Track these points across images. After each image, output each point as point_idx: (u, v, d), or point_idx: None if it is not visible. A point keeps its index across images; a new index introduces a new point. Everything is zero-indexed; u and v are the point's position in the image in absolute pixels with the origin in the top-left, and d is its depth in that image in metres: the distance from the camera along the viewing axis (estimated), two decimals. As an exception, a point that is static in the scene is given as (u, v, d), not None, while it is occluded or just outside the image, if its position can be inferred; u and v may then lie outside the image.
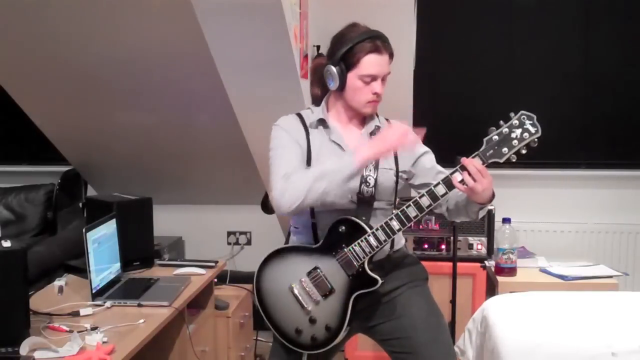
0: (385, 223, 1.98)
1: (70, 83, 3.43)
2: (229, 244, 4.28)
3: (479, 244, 3.50)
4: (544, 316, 2.47)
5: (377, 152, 1.97)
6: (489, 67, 4.08)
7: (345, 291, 2.03)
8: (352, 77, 2.02)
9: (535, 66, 4.04)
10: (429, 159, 2.20)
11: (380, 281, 2.01)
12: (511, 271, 3.25)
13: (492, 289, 3.31)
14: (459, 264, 3.35)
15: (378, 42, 2.02)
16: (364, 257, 2.00)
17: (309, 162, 2.06)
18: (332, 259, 2.03)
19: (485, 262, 3.43)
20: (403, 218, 1.97)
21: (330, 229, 2.03)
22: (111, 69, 3.31)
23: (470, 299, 3.40)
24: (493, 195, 2.01)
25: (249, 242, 4.26)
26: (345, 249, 2.01)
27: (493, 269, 3.32)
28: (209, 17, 2.59)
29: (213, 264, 2.86)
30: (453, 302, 3.34)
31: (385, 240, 1.99)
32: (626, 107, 4.05)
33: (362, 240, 1.99)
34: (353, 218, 2.02)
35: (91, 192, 4.27)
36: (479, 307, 2.73)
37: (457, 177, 1.95)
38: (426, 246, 3.46)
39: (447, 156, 3.37)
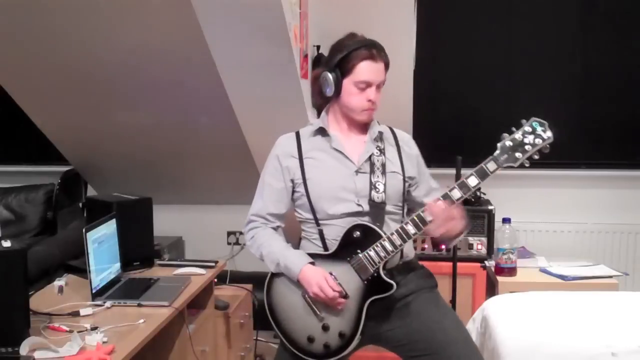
0: (400, 227, 1.99)
1: (71, 83, 3.43)
2: (229, 244, 4.28)
3: (479, 244, 3.50)
4: (544, 316, 2.47)
5: (313, 289, 2.00)
6: (488, 67, 4.08)
7: (359, 297, 2.02)
8: (347, 83, 2.05)
9: (535, 66, 4.04)
10: (424, 171, 2.23)
11: (395, 286, 2.00)
12: (511, 271, 3.25)
13: (492, 289, 3.31)
14: (459, 264, 3.35)
15: (374, 50, 2.05)
16: (379, 262, 2.00)
17: (303, 171, 2.09)
18: (346, 265, 2.03)
19: (485, 262, 3.43)
20: (419, 222, 1.98)
21: (344, 234, 2.03)
22: (111, 69, 3.31)
23: (470, 299, 3.40)
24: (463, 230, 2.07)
25: (249, 242, 4.25)
26: (360, 254, 2.01)
27: (493, 269, 3.32)
28: (209, 17, 2.60)
29: (213, 264, 2.86)
30: (453, 302, 3.33)
31: (400, 245, 1.99)
32: (626, 107, 4.05)
33: (377, 245, 1.99)
34: (368, 224, 2.02)
35: (91, 192, 4.27)
36: (479, 307, 2.73)
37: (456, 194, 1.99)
38: (426, 246, 3.46)
39: (447, 156, 3.40)
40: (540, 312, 2.51)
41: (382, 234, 2.00)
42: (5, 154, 4.42)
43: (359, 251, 2.01)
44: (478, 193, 3.62)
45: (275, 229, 2.19)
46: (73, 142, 3.90)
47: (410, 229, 1.98)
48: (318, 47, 3.23)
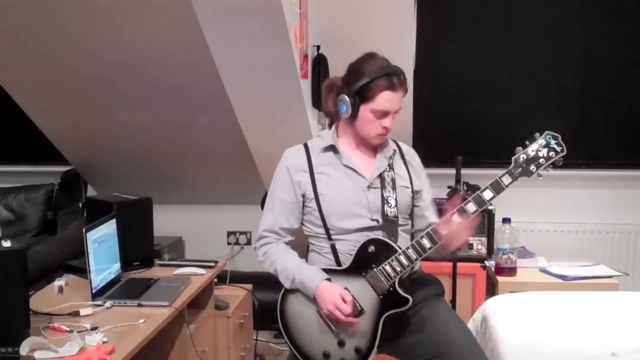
0: (415, 241, 2.00)
1: (71, 83, 3.43)
2: (229, 244, 4.28)
3: (479, 244, 3.50)
4: (544, 316, 2.47)
5: (329, 306, 2.00)
6: (488, 67, 4.08)
7: (375, 312, 2.02)
8: (364, 109, 2.06)
9: (535, 66, 4.04)
10: (426, 187, 2.25)
11: (411, 300, 2.00)
12: (511, 271, 3.25)
13: (492, 289, 3.31)
14: (459, 264, 3.34)
15: (395, 79, 2.04)
16: (394, 277, 2.00)
17: (314, 187, 2.09)
18: (361, 280, 2.03)
19: (485, 262, 3.43)
20: (434, 236, 1.99)
21: (359, 249, 2.04)
22: (111, 69, 3.31)
23: (470, 299, 3.40)
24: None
25: (249, 242, 4.26)
26: (376, 269, 2.01)
27: (493, 269, 3.32)
28: (209, 17, 2.60)
29: (213, 264, 2.86)
30: (453, 302, 3.33)
31: (416, 259, 2.00)
32: (626, 107, 4.05)
33: (392, 260, 2.00)
34: (383, 238, 2.03)
35: (91, 192, 4.27)
36: (479, 307, 2.73)
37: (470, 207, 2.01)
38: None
39: (447, 156, 3.40)
40: (541, 312, 2.51)
41: (398, 249, 2.00)
42: (5, 154, 4.43)
43: (374, 266, 2.02)
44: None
45: (287, 243, 2.18)
46: (73, 142, 3.91)
47: (426, 242, 2.00)
48: (318, 47, 3.23)
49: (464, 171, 3.36)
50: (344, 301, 2.00)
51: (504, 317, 2.48)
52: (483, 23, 4.07)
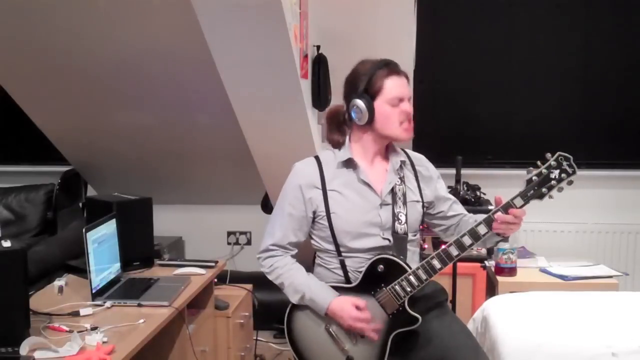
0: (426, 262, 1.99)
1: (71, 83, 3.43)
2: (229, 244, 4.28)
3: (479, 244, 3.49)
4: (544, 316, 2.47)
5: (346, 323, 2.00)
6: (489, 67, 4.09)
7: (384, 330, 2.01)
8: (379, 105, 2.04)
9: (536, 66, 4.05)
10: (443, 187, 2.24)
11: (420, 320, 1.99)
12: (511, 271, 3.25)
13: (492, 289, 3.31)
14: (459, 264, 3.34)
15: (392, 66, 2.06)
16: (404, 296, 1.99)
17: (326, 204, 2.06)
18: (371, 299, 2.02)
19: (485, 262, 3.43)
20: (445, 257, 1.99)
21: (368, 268, 2.02)
22: (111, 69, 3.31)
23: (470, 299, 3.40)
24: None
25: (249, 242, 4.26)
26: (385, 289, 2.00)
27: (493, 269, 3.32)
28: (209, 17, 2.60)
29: (213, 264, 2.86)
30: (453, 302, 3.33)
31: (426, 279, 1.98)
32: (626, 106, 4.06)
33: (402, 280, 1.99)
34: (392, 257, 2.02)
35: (91, 192, 4.27)
36: (479, 307, 2.73)
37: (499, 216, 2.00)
38: (426, 246, 3.46)
39: (447, 156, 3.40)
40: (541, 312, 2.51)
41: (408, 269, 1.99)
42: (5, 154, 4.43)
43: (383, 285, 2.01)
44: (478, 193, 3.62)
45: (293, 256, 2.17)
46: (73, 142, 3.91)
47: (436, 263, 1.98)
48: (318, 47, 3.23)
49: (464, 171, 3.36)
50: (360, 309, 2.00)
51: (504, 317, 2.48)
52: (483, 23, 4.07)
